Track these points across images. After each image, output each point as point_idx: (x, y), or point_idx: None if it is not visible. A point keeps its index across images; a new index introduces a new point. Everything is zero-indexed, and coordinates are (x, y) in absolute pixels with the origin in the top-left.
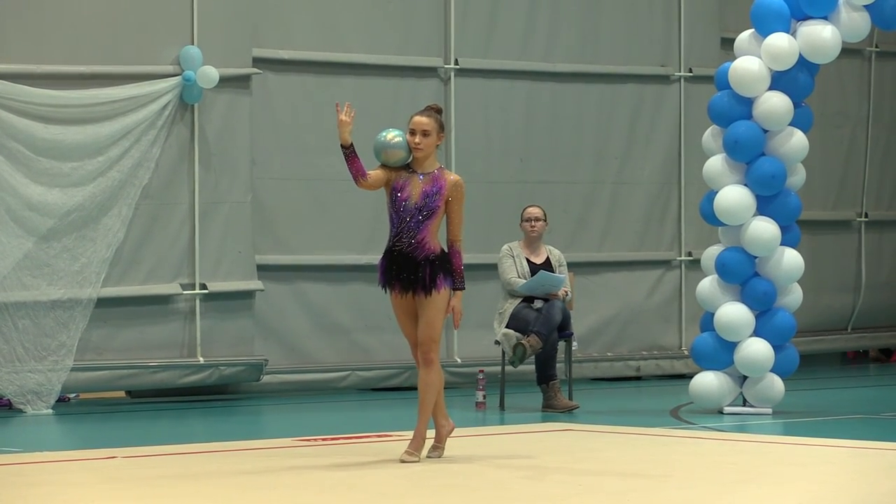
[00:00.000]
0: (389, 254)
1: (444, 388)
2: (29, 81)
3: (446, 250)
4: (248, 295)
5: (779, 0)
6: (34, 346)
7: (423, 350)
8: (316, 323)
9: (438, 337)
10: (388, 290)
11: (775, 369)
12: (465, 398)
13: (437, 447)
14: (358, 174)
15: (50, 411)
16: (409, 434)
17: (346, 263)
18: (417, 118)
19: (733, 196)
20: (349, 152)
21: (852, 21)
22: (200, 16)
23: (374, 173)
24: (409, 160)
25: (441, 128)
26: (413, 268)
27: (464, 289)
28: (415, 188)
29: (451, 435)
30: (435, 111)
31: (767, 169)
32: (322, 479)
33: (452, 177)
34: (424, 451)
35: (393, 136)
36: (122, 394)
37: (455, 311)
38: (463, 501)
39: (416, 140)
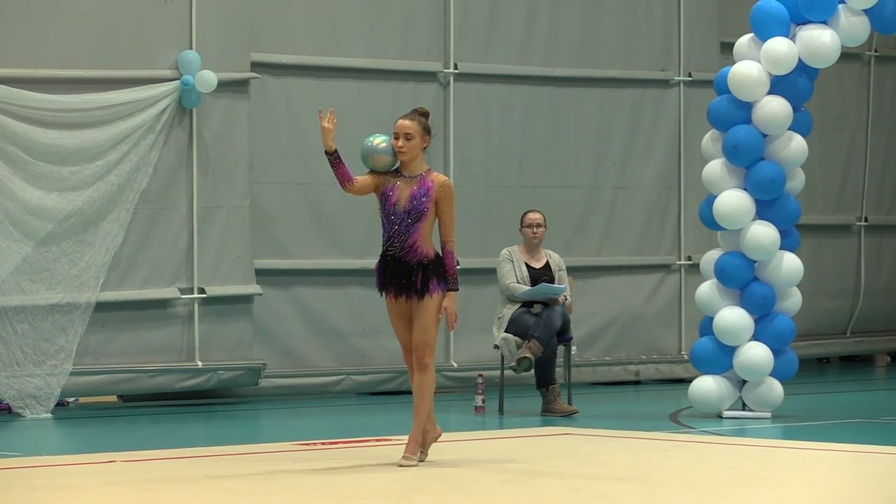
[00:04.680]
0: (383, 258)
1: (437, 392)
2: (27, 86)
3: (440, 253)
4: (247, 299)
5: (778, 4)
6: (33, 351)
7: (417, 355)
8: (313, 327)
9: (433, 341)
10: (383, 295)
11: (774, 373)
12: (464, 402)
13: (421, 452)
14: (344, 179)
15: (49, 415)
16: (408, 438)
17: (343, 268)
18: (400, 122)
19: (732, 200)
20: (334, 158)
21: (851, 25)
22: (199, 20)
23: (362, 179)
24: (397, 165)
25: (426, 130)
26: (406, 272)
27: (457, 290)
28: (402, 192)
29: (438, 441)
30: (420, 114)
31: (767, 173)
32: (320, 483)
33: (440, 178)
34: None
35: (379, 141)
36: (117, 398)
37: (448, 312)
38: None
39: (400, 143)
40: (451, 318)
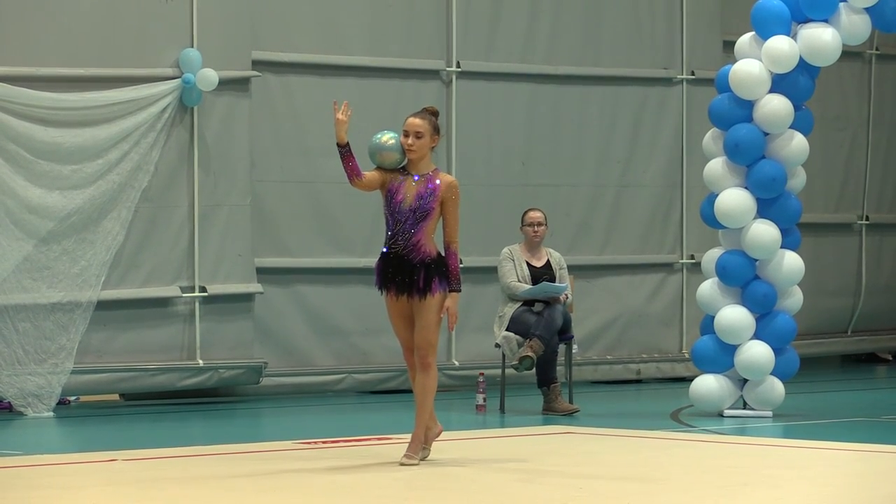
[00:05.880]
0: (385, 256)
1: (438, 391)
2: (28, 84)
3: (443, 253)
4: (248, 298)
5: (779, 3)
6: (34, 349)
7: (420, 354)
8: (315, 326)
9: (435, 341)
10: (383, 293)
11: (775, 372)
12: (465, 401)
13: (424, 448)
14: (353, 173)
15: (50, 414)
16: (409, 436)
17: (345, 266)
18: (411, 119)
19: (734, 199)
20: (345, 151)
21: (853, 24)
22: (200, 18)
23: (370, 174)
24: (404, 162)
25: (436, 130)
26: (408, 271)
27: (459, 290)
28: (409, 190)
29: (439, 438)
30: (430, 113)
31: (768, 172)
32: (322, 482)
33: (447, 178)
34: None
35: (387, 138)
36: (119, 397)
37: (450, 312)
38: None
39: (409, 142)
40: (451, 319)
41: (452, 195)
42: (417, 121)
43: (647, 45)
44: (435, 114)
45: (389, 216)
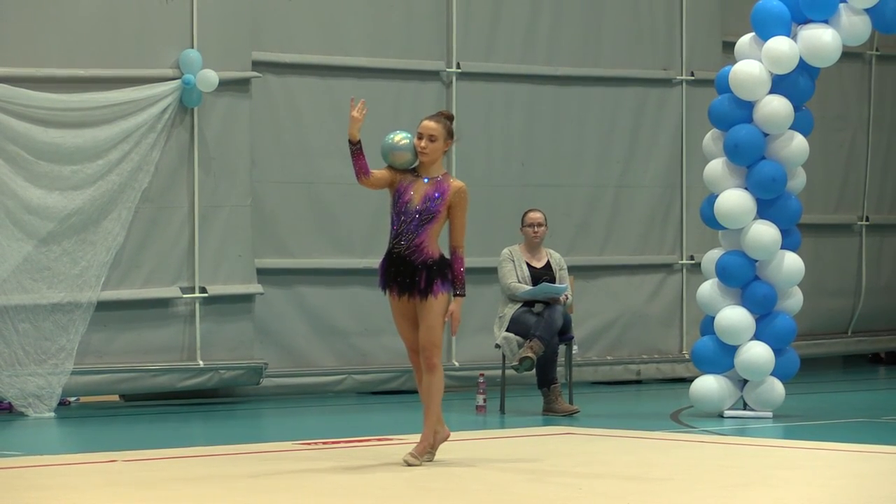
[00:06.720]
0: (389, 256)
1: (444, 392)
2: (28, 85)
3: (447, 256)
4: (248, 298)
5: (779, 3)
6: (34, 350)
7: (425, 355)
8: (315, 327)
9: (440, 341)
10: (386, 293)
11: (776, 373)
12: (465, 402)
13: (429, 452)
14: (361, 171)
15: (51, 415)
16: (409, 437)
17: (345, 267)
18: (426, 122)
19: (734, 199)
20: (356, 149)
21: (853, 24)
22: (200, 19)
23: (379, 173)
24: (416, 163)
25: (449, 134)
26: (410, 271)
27: (464, 295)
28: (417, 191)
29: (447, 440)
30: (445, 117)
31: (768, 172)
32: (322, 483)
33: (456, 183)
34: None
35: (400, 138)
36: (119, 397)
37: (453, 317)
38: None
39: (423, 144)
40: (454, 324)
41: (461, 200)
42: (432, 124)
43: (647, 46)
44: (450, 118)
45: (395, 216)
